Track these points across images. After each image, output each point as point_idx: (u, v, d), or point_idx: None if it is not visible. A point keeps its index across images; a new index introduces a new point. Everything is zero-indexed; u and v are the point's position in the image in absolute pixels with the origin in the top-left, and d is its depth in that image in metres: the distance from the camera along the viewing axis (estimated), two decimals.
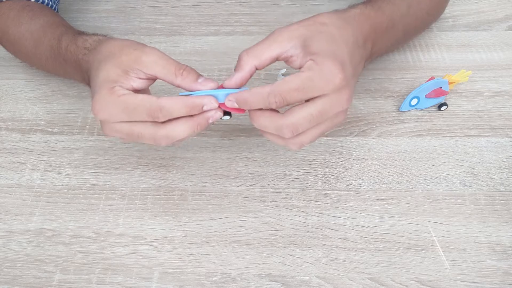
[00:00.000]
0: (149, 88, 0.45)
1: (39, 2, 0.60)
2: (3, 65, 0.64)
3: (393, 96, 0.58)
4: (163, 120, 0.40)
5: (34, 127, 0.58)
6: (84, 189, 0.52)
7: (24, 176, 0.54)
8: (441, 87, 0.55)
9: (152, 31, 0.68)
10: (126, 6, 0.72)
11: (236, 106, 0.41)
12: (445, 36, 0.65)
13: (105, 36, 0.49)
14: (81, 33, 0.52)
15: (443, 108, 0.56)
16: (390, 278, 0.45)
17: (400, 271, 0.45)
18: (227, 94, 0.41)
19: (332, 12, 0.44)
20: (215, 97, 0.41)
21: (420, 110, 0.57)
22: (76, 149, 0.56)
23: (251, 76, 0.42)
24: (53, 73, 0.61)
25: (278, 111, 0.41)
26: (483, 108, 0.57)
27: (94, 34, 0.50)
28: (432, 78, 0.56)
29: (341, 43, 0.42)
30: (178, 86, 0.41)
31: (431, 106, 0.57)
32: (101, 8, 0.72)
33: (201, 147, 0.55)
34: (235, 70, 0.41)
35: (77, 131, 0.57)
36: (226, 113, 0.42)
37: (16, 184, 0.53)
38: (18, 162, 0.55)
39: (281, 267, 0.46)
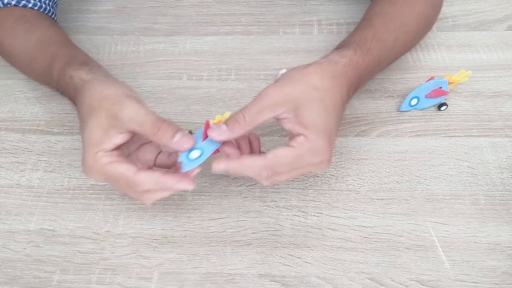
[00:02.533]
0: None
1: (36, 8, 0.59)
2: (3, 65, 0.64)
3: (393, 96, 0.58)
4: (141, 191, 0.42)
5: (34, 127, 0.58)
6: (84, 189, 0.52)
7: (24, 176, 0.54)
8: (441, 87, 0.55)
9: (151, 31, 0.68)
10: (126, 6, 0.72)
11: (225, 173, 0.42)
12: (445, 36, 0.65)
13: (89, 70, 0.48)
14: (69, 63, 0.50)
15: (443, 108, 0.56)
16: (390, 278, 0.45)
17: (400, 271, 0.45)
18: (209, 146, 0.42)
19: (324, 68, 0.45)
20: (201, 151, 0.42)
21: (420, 110, 0.57)
22: (76, 149, 0.55)
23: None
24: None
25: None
26: (483, 108, 0.57)
27: (79, 68, 0.48)
28: (432, 78, 0.56)
29: (331, 109, 0.43)
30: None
31: (431, 106, 0.57)
32: (101, 8, 0.72)
33: None
34: (228, 126, 0.41)
35: (76, 131, 0.57)
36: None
37: (16, 184, 0.53)
38: (18, 162, 0.55)
39: (281, 267, 0.46)
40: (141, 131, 0.41)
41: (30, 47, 0.55)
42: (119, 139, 0.41)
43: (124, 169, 0.41)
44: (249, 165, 0.41)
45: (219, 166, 0.41)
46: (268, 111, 0.41)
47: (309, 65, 0.45)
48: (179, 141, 0.40)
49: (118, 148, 0.42)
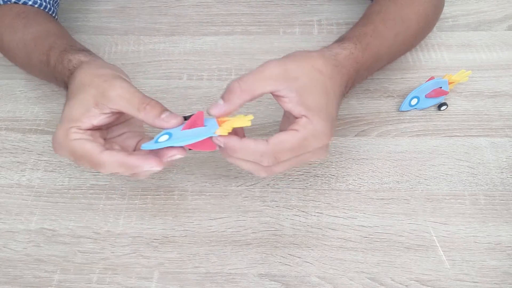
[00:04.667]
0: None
1: (36, 5, 0.59)
2: (3, 65, 0.64)
3: (393, 96, 0.58)
4: (104, 173, 0.41)
5: (34, 127, 0.58)
6: (84, 189, 0.52)
7: (24, 176, 0.54)
8: (441, 87, 0.55)
9: (151, 31, 0.68)
10: (126, 6, 0.72)
11: (221, 146, 0.40)
12: (445, 36, 0.65)
13: (88, 54, 0.49)
14: (67, 49, 0.50)
15: (443, 108, 0.56)
16: (390, 278, 0.45)
17: (400, 271, 0.45)
18: (187, 135, 0.39)
19: (326, 55, 0.44)
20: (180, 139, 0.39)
21: (420, 110, 0.57)
22: None
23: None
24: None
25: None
26: (483, 108, 0.57)
27: (78, 52, 0.49)
28: (432, 78, 0.56)
29: (332, 96, 0.42)
30: (142, 121, 0.41)
31: (431, 106, 0.57)
32: (101, 8, 0.72)
33: None
34: (223, 99, 0.40)
35: None
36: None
37: (16, 184, 0.53)
38: (18, 162, 0.55)
39: (281, 267, 0.46)
40: (128, 108, 0.40)
41: (29, 39, 0.55)
42: (99, 119, 0.41)
43: (90, 147, 0.39)
44: (250, 147, 0.39)
45: (220, 139, 0.39)
46: (268, 83, 0.40)
47: (311, 51, 0.44)
48: (166, 117, 0.39)
49: (95, 130, 0.41)
